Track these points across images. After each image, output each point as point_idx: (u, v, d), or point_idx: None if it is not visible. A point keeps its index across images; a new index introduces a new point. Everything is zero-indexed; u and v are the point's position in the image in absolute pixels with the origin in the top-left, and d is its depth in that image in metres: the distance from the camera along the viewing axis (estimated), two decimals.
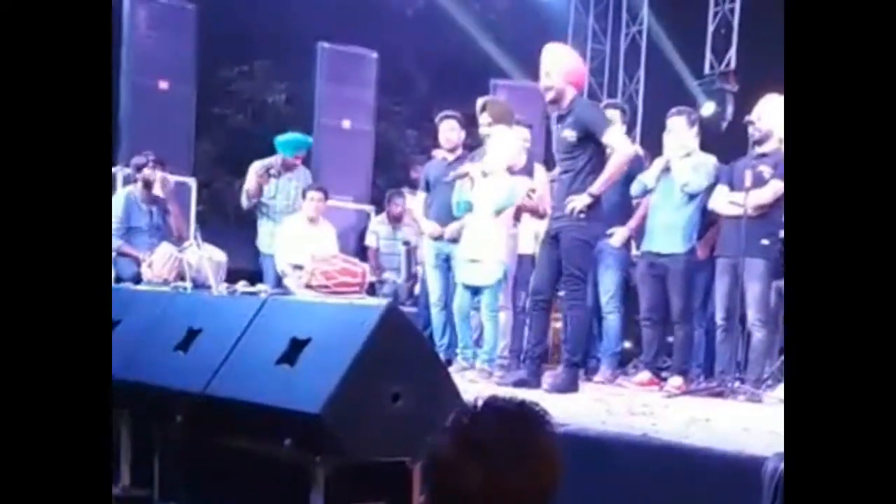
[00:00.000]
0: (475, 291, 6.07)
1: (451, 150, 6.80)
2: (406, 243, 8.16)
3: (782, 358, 5.85)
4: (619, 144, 5.53)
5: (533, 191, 6.41)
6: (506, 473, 1.45)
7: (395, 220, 8.47)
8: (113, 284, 6.14)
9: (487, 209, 6.03)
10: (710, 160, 6.25)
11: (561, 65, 5.62)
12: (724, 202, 6.00)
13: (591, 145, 5.52)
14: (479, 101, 6.49)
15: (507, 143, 6.15)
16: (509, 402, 1.56)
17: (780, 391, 5.47)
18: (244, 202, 7.77)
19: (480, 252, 5.98)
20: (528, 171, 6.45)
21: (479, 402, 1.54)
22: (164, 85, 8.40)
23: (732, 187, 5.94)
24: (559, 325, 6.59)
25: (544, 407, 1.57)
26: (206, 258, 5.66)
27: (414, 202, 7.43)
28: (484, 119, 6.39)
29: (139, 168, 7.02)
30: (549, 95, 5.63)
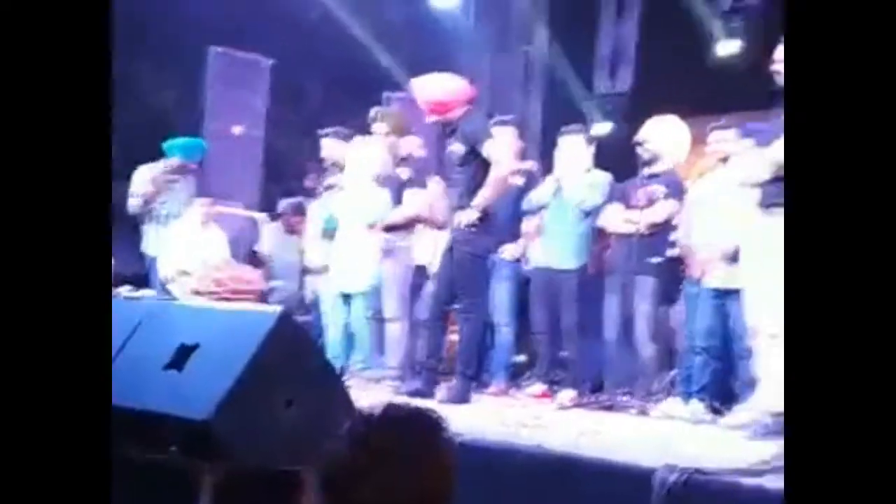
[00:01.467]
0: (347, 299, 6.09)
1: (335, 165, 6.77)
2: (301, 251, 8.03)
3: (672, 373, 5.98)
4: (498, 157, 5.56)
5: (426, 204, 6.43)
6: (404, 479, 1.45)
7: (291, 232, 8.32)
8: None
9: (353, 219, 6.07)
10: (605, 178, 6.34)
11: (429, 96, 5.66)
12: (615, 220, 6.09)
13: (476, 159, 5.55)
14: (372, 112, 6.49)
15: (367, 154, 6.20)
16: (406, 408, 1.57)
17: (668, 405, 5.59)
18: (134, 207, 7.47)
19: (350, 261, 6.02)
20: (421, 182, 6.46)
21: (377, 409, 1.54)
22: None
23: (626, 205, 6.04)
24: (455, 336, 6.59)
25: (441, 414, 1.57)
26: None
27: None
28: (380, 129, 6.40)
29: None
30: (434, 118, 5.72)
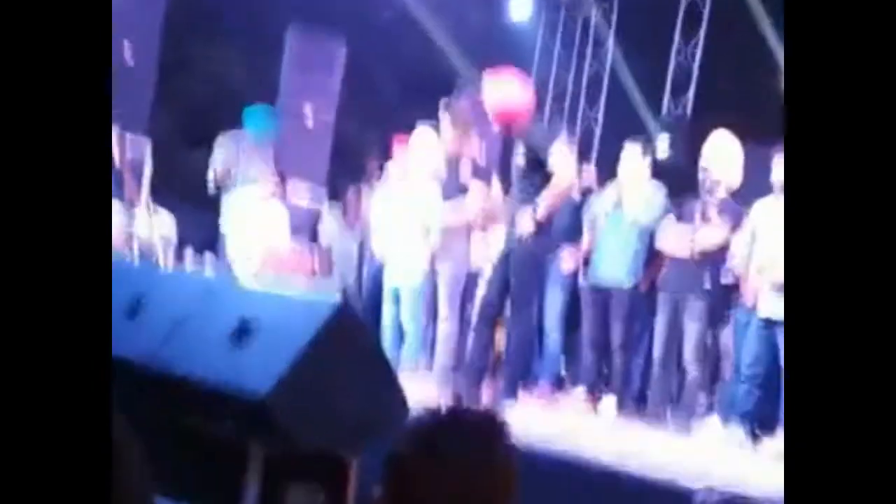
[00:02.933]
0: (398, 294, 6.19)
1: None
2: (360, 244, 8.15)
3: (714, 396, 6.01)
4: (560, 169, 5.64)
5: (486, 204, 6.50)
6: (464, 483, 1.46)
7: (351, 220, 8.44)
8: None
9: (405, 214, 6.15)
10: (661, 193, 6.38)
11: (496, 102, 5.70)
12: (671, 241, 6.13)
13: (540, 169, 5.63)
14: (443, 102, 6.52)
15: (428, 149, 6.25)
16: (472, 412, 1.57)
17: (708, 428, 5.62)
18: (210, 184, 7.64)
19: (401, 256, 6.11)
20: (485, 178, 6.50)
21: (442, 410, 1.54)
22: (127, 53, 8.27)
23: (680, 220, 6.08)
24: (502, 341, 6.67)
25: (505, 420, 1.56)
26: (157, 229, 5.62)
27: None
28: (445, 120, 6.46)
29: None
30: (497, 125, 5.81)
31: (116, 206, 6.07)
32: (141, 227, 5.61)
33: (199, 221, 7.69)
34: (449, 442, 1.47)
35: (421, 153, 6.28)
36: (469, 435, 1.49)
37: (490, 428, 1.52)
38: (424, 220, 6.18)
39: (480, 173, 6.48)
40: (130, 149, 7.33)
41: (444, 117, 6.41)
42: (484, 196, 6.44)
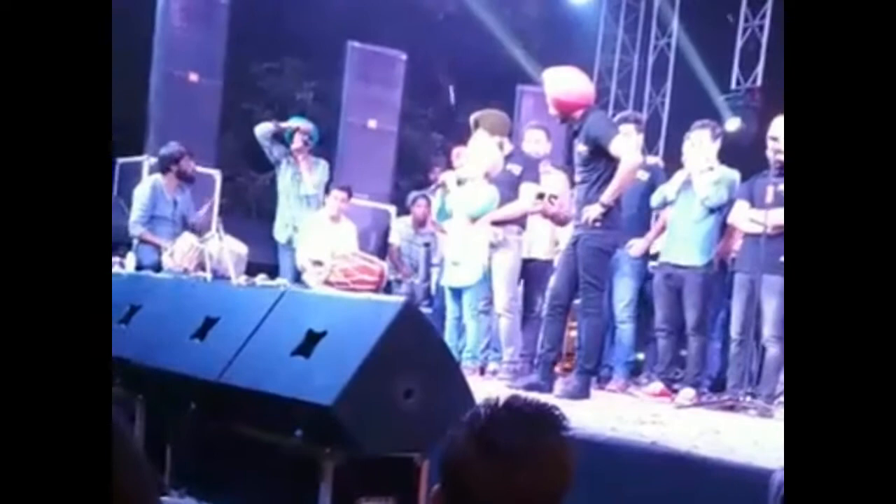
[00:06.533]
0: (459, 293, 6.19)
1: None
2: (426, 244, 8.22)
3: None
4: (625, 153, 5.59)
5: (555, 197, 6.48)
6: (517, 475, 1.45)
7: (419, 224, 8.51)
8: (134, 271, 6.23)
9: (464, 214, 6.15)
10: (732, 175, 6.26)
11: (553, 93, 5.70)
12: (743, 218, 6.01)
13: (603, 156, 5.59)
14: (472, 118, 6.54)
15: (482, 150, 6.26)
16: (528, 403, 1.54)
17: None
18: (267, 128, 7.79)
19: (460, 255, 6.11)
20: (534, 177, 6.47)
21: (499, 402, 1.53)
22: (193, 77, 8.49)
23: (752, 203, 5.95)
24: (573, 332, 6.62)
25: (562, 411, 1.55)
26: (227, 250, 5.72)
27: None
28: (482, 133, 6.47)
29: (175, 160, 7.08)
30: (557, 116, 5.82)
31: (188, 234, 6.24)
32: (213, 249, 5.73)
33: (269, 237, 7.85)
34: (503, 434, 1.47)
35: (476, 157, 6.30)
36: (523, 426, 1.48)
37: (544, 419, 1.52)
38: (473, 217, 6.20)
39: (529, 170, 6.46)
40: (200, 177, 7.54)
41: (479, 131, 6.40)
42: (534, 192, 6.42)
